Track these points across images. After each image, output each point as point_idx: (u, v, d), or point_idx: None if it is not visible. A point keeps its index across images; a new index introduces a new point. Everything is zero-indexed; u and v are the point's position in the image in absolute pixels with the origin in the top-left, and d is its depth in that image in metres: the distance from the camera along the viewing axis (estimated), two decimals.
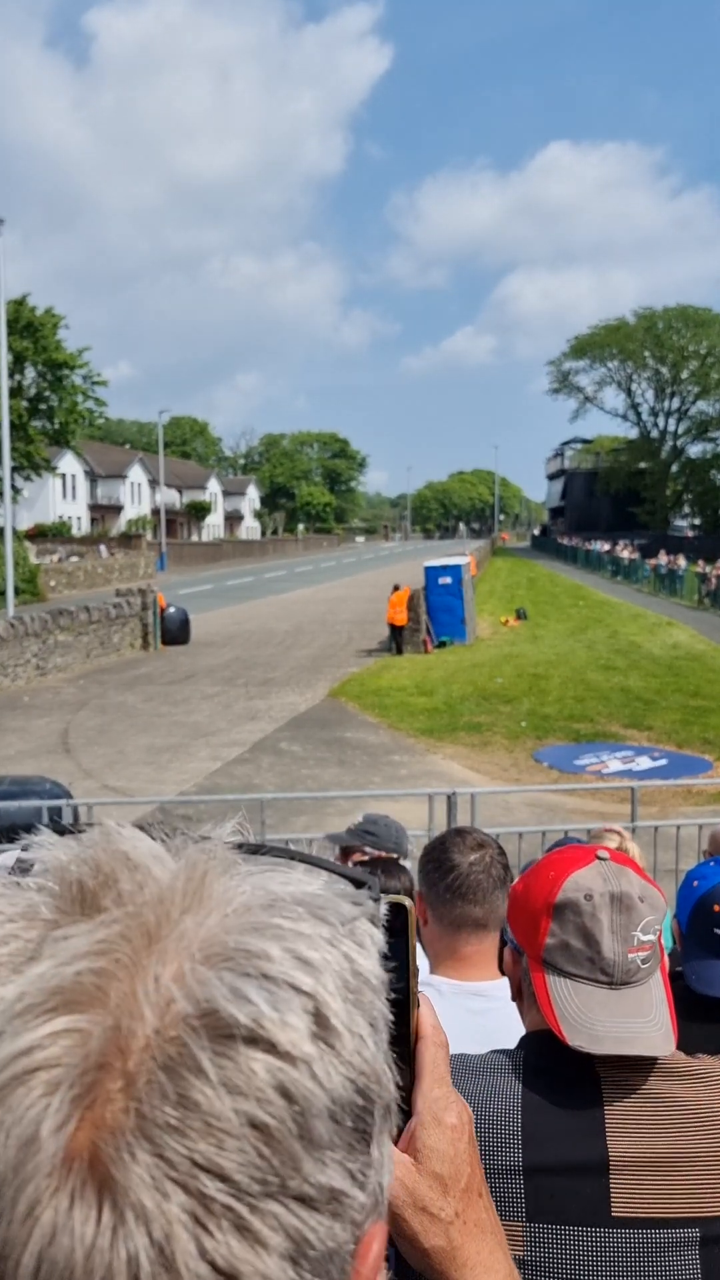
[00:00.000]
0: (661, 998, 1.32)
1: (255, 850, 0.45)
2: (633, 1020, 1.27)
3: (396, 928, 0.58)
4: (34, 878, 0.40)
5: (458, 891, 1.99)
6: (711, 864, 2.11)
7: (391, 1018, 0.43)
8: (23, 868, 0.42)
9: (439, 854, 2.11)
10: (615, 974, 1.30)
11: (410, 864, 3.28)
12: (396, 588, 22.65)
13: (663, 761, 12.88)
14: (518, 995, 1.42)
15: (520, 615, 28.99)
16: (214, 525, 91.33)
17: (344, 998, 0.38)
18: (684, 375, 68.98)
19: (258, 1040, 0.35)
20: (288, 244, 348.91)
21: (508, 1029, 1.46)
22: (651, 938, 1.31)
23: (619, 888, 1.31)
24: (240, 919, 0.38)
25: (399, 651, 22.06)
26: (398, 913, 0.60)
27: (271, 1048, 0.35)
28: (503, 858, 2.11)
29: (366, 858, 3.29)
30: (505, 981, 1.46)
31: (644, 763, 12.79)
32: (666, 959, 1.42)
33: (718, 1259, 1.24)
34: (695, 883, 2.06)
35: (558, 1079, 1.29)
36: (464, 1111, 0.67)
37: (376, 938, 0.42)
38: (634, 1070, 1.28)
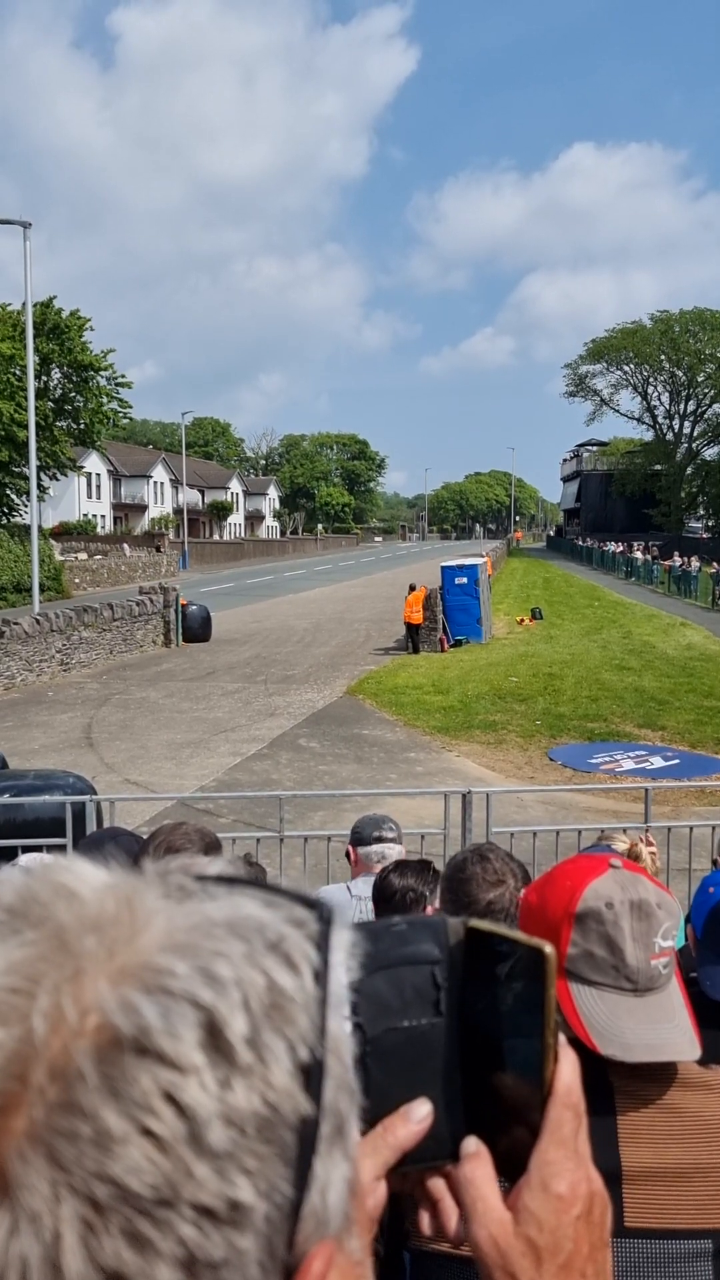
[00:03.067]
0: (682, 1002, 1.33)
1: (227, 882, 0.45)
2: (660, 1026, 1.28)
3: (533, 974, 0.58)
4: None
5: None
6: None
7: (350, 1038, 0.44)
8: None
9: (459, 886, 2.11)
10: (640, 981, 1.30)
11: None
12: (413, 587, 22.82)
13: (676, 761, 13.02)
14: None
15: (535, 615, 29.11)
16: (235, 524, 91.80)
17: (250, 1013, 0.39)
18: (700, 378, 68.81)
19: (145, 1051, 0.36)
20: (310, 246, 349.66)
21: None
22: (671, 944, 1.33)
23: (637, 895, 1.32)
24: (161, 939, 0.39)
25: (415, 650, 22.25)
26: (536, 960, 0.58)
27: (159, 1058, 0.36)
28: (521, 887, 2.12)
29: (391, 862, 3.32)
30: None
31: (657, 762, 12.94)
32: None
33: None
34: (711, 889, 2.07)
35: None
36: (583, 1185, 0.62)
37: (313, 958, 0.42)
38: (647, 1080, 1.29)
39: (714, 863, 5.80)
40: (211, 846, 2.64)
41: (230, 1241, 0.36)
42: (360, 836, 3.73)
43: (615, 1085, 1.28)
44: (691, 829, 7.06)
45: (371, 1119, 0.59)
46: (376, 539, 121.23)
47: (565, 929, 1.33)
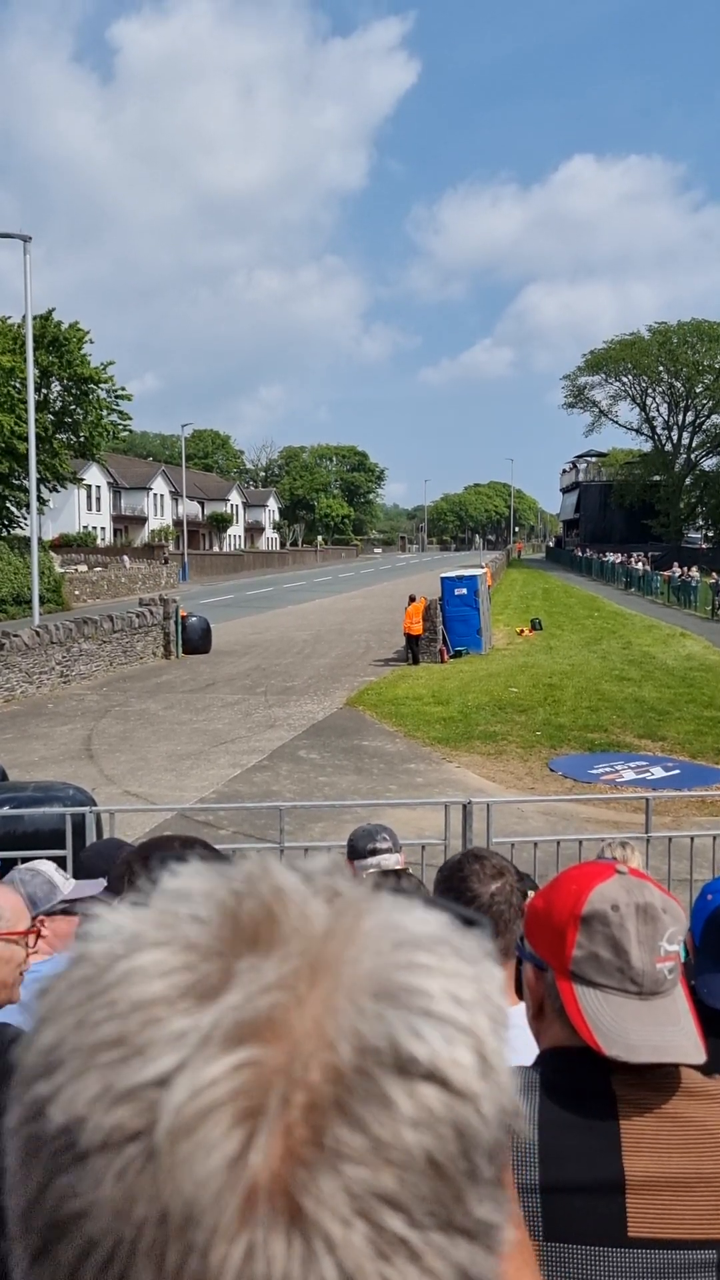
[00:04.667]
0: (686, 1008, 1.33)
1: (398, 887, 0.47)
2: (665, 1029, 1.28)
3: None
4: (181, 904, 0.40)
5: None
6: None
7: None
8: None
9: (458, 883, 2.08)
10: (645, 984, 1.30)
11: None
12: (413, 598, 22.85)
13: (676, 771, 13.02)
14: (538, 1014, 1.40)
15: (535, 626, 29.13)
16: (235, 536, 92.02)
17: (496, 1035, 0.39)
18: (698, 389, 69.06)
19: (434, 1077, 0.35)
20: (310, 258, 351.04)
21: (528, 1053, 1.46)
22: (676, 948, 1.34)
23: (643, 899, 1.33)
24: (394, 956, 0.38)
25: (415, 661, 22.26)
26: None
27: (446, 1084, 0.36)
28: (522, 883, 2.12)
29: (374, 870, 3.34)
30: (524, 1006, 1.47)
31: (657, 772, 12.94)
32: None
33: None
34: (710, 896, 2.08)
35: (574, 1096, 1.29)
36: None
37: (499, 977, 0.42)
38: (651, 1089, 1.28)
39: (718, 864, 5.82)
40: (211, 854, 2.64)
41: (487, 1263, 0.36)
42: (355, 850, 3.71)
43: (618, 1094, 1.27)
44: (693, 839, 7.07)
45: None
46: (376, 550, 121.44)
47: (571, 931, 1.33)
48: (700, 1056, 1.27)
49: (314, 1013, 0.36)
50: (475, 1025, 0.38)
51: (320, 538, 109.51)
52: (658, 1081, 1.29)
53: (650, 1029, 1.27)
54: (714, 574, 38.22)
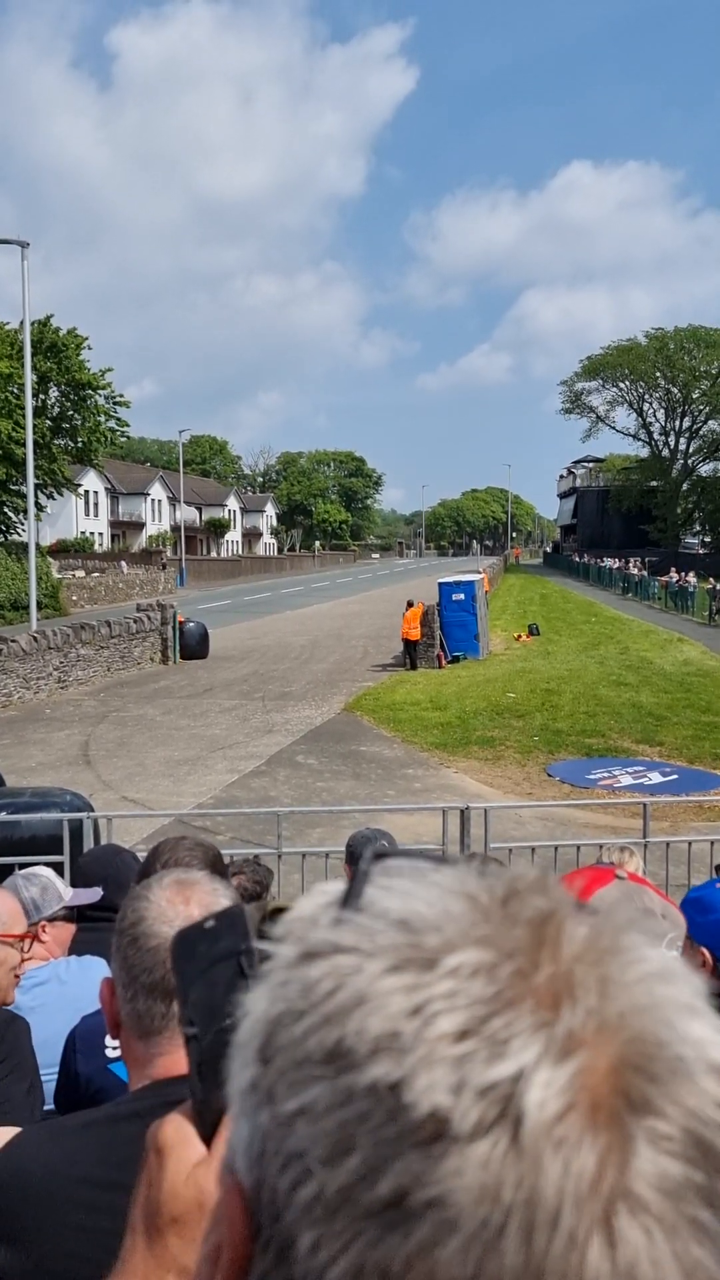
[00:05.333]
0: None
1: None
2: None
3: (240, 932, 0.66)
4: (459, 903, 0.41)
5: None
6: (718, 884, 2.17)
7: None
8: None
9: None
10: None
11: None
12: (411, 604, 22.88)
13: (674, 777, 13.03)
14: None
15: (533, 631, 29.17)
16: (232, 541, 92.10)
17: None
18: (695, 395, 69.24)
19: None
20: (308, 264, 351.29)
21: None
22: (675, 952, 1.35)
23: (643, 904, 1.36)
24: (664, 973, 0.40)
25: (413, 666, 22.27)
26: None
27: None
28: None
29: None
30: None
31: (655, 778, 12.95)
32: None
33: None
34: None
35: None
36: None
37: None
38: None
39: (717, 869, 5.82)
40: (215, 861, 2.64)
41: None
42: (354, 855, 3.71)
43: None
44: (690, 844, 7.09)
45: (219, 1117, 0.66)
46: (374, 556, 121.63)
47: None
48: None
49: (626, 1018, 0.37)
50: None
51: (318, 543, 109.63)
52: None
53: None
54: (711, 579, 38.28)
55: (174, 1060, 1.26)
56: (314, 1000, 0.39)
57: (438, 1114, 0.35)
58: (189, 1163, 0.77)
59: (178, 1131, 0.77)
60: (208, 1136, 0.75)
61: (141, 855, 2.93)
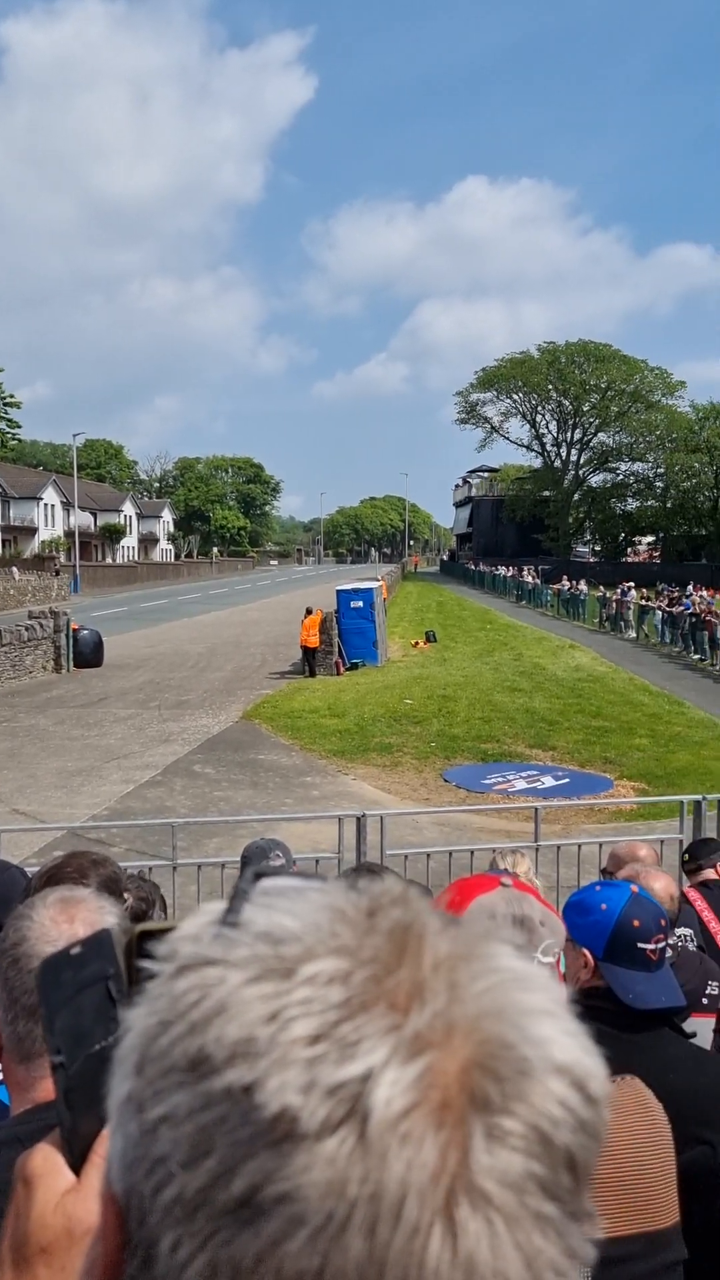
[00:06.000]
0: None
1: None
2: None
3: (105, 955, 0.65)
4: (325, 915, 0.43)
5: None
6: (598, 887, 2.24)
7: None
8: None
9: None
10: None
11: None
12: (309, 611, 22.89)
13: (566, 780, 13.35)
14: None
15: (430, 638, 29.51)
16: (128, 547, 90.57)
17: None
18: (585, 408, 71.22)
19: (578, 1082, 0.40)
20: (205, 268, 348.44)
21: None
22: (551, 960, 1.37)
23: (521, 911, 1.37)
24: (520, 980, 0.43)
25: (311, 674, 22.29)
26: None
27: (584, 1088, 0.41)
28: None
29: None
30: None
31: (548, 781, 13.25)
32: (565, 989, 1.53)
33: (614, 1279, 1.32)
34: (603, 906, 2.14)
35: None
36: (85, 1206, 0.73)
37: None
38: None
39: (603, 872, 5.99)
40: (110, 879, 2.60)
41: (588, 1248, 0.41)
42: (248, 865, 3.70)
43: None
44: (580, 846, 7.28)
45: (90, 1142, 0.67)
46: (272, 562, 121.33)
47: None
48: None
49: (475, 1021, 0.40)
50: (588, 1043, 0.42)
51: (216, 549, 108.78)
52: None
53: None
54: (601, 587, 39.35)
55: None
56: (180, 1011, 0.41)
57: (287, 1113, 0.37)
58: (57, 1192, 0.76)
59: (46, 1161, 0.76)
60: (76, 1165, 0.74)
61: (32, 871, 2.87)
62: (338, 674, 22.54)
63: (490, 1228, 0.37)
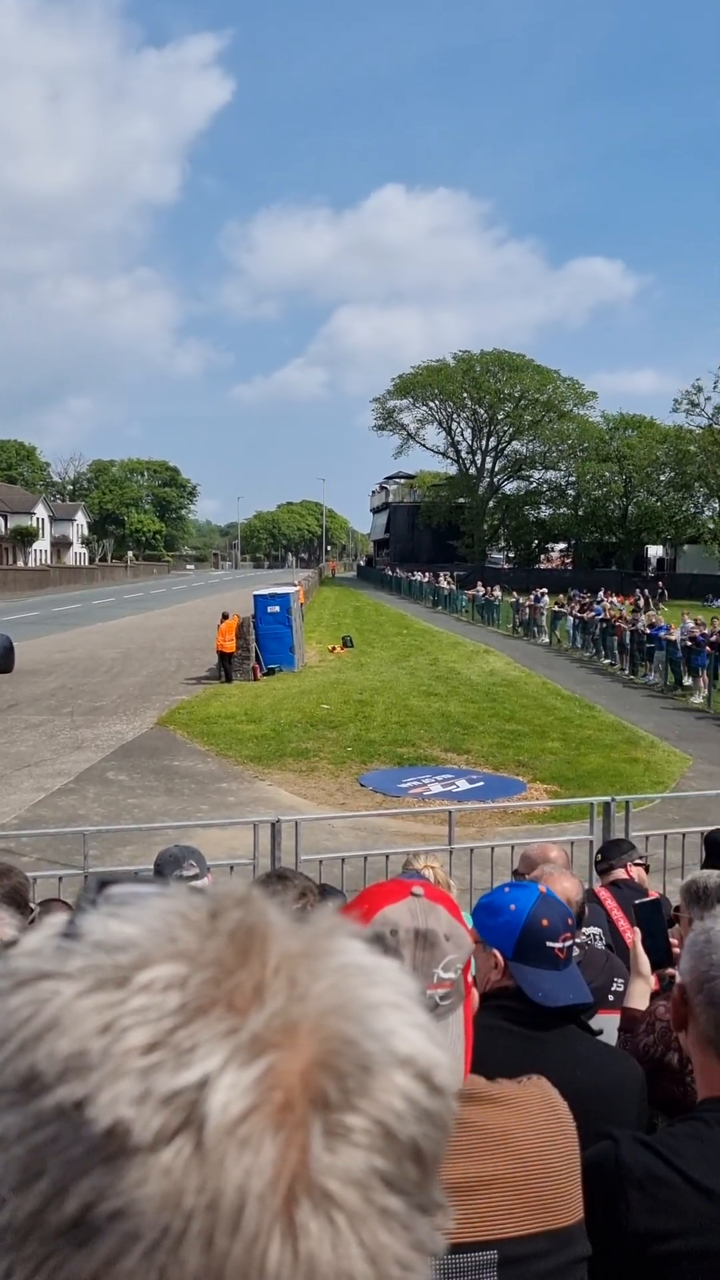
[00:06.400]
0: (458, 1035, 1.34)
1: None
2: None
3: None
4: (164, 920, 0.42)
5: None
6: (507, 889, 2.25)
7: None
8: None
9: None
10: None
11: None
12: (226, 616, 22.75)
13: (480, 783, 13.51)
14: None
15: (347, 643, 29.58)
16: (41, 551, 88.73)
17: (441, 1044, 0.44)
18: (500, 416, 72.36)
19: (420, 1072, 0.41)
20: (121, 269, 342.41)
21: None
22: (453, 975, 1.34)
23: (425, 925, 1.33)
24: (367, 975, 0.43)
25: (228, 679, 22.14)
26: None
27: (429, 1079, 0.41)
28: (325, 902, 2.23)
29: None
30: None
31: (463, 785, 13.38)
32: (475, 995, 1.45)
33: (516, 1278, 1.32)
34: (512, 906, 2.15)
35: None
36: None
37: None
38: None
39: (515, 874, 6.08)
40: (13, 891, 2.54)
41: (438, 1239, 0.41)
42: (161, 874, 3.67)
43: None
44: (493, 849, 7.38)
45: None
46: (189, 567, 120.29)
47: None
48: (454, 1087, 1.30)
49: (317, 1019, 0.40)
50: (435, 1034, 0.43)
51: (131, 553, 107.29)
52: None
53: None
54: (515, 593, 39.99)
55: None
56: (11, 1029, 0.40)
57: (120, 1126, 0.36)
58: None
59: None
60: None
61: None
62: (255, 679, 22.44)
63: (333, 1227, 0.37)
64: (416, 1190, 0.39)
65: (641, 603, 36.61)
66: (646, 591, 44.79)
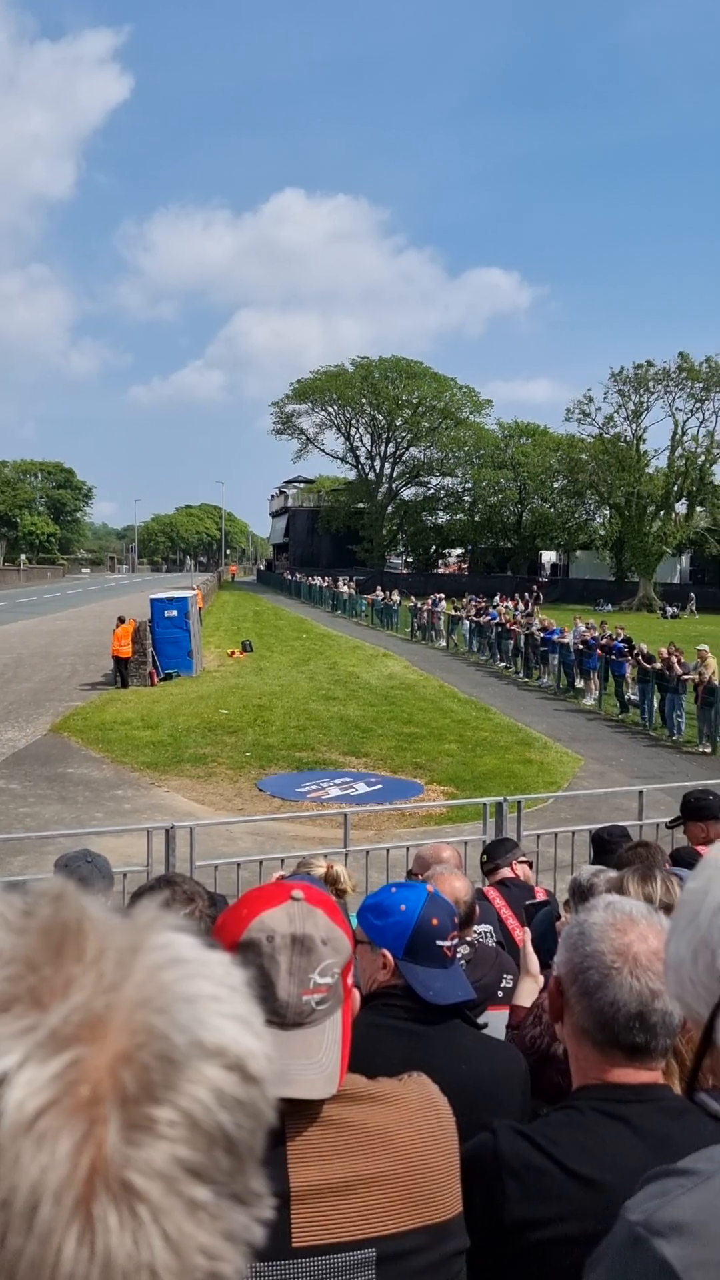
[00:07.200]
0: (335, 1039, 1.34)
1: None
2: (297, 1061, 1.29)
3: None
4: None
5: None
6: (394, 889, 2.25)
7: None
8: None
9: None
10: (287, 1015, 1.30)
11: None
12: (122, 620, 22.39)
13: (378, 786, 13.60)
14: None
15: (246, 648, 29.43)
16: None
17: (262, 1034, 0.45)
18: (398, 423, 73.01)
19: (232, 1062, 0.41)
20: (14, 265, 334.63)
21: None
22: (329, 980, 1.34)
23: (303, 930, 1.33)
24: (186, 967, 0.44)
25: (124, 685, 21.78)
26: None
27: (242, 1069, 0.42)
28: (214, 908, 2.15)
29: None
30: None
31: (361, 788, 13.46)
32: (356, 998, 1.46)
33: (394, 1275, 1.30)
34: (403, 907, 2.15)
35: None
36: None
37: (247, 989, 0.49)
38: (314, 1100, 1.31)
39: (409, 874, 6.16)
40: None
41: (256, 1230, 0.42)
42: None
43: (284, 1110, 1.28)
44: (388, 851, 7.44)
45: None
46: (84, 570, 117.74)
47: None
48: (328, 1090, 1.29)
49: (126, 1013, 0.40)
50: (253, 1024, 0.43)
51: (24, 557, 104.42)
52: None
53: (283, 1061, 1.26)
54: (413, 597, 40.39)
55: None
56: None
57: None
58: None
59: None
60: None
61: None
62: (152, 684, 22.13)
63: (134, 1220, 0.37)
64: (229, 1180, 0.40)
65: (522, 606, 37.42)
66: (526, 595, 45.83)
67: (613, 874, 2.98)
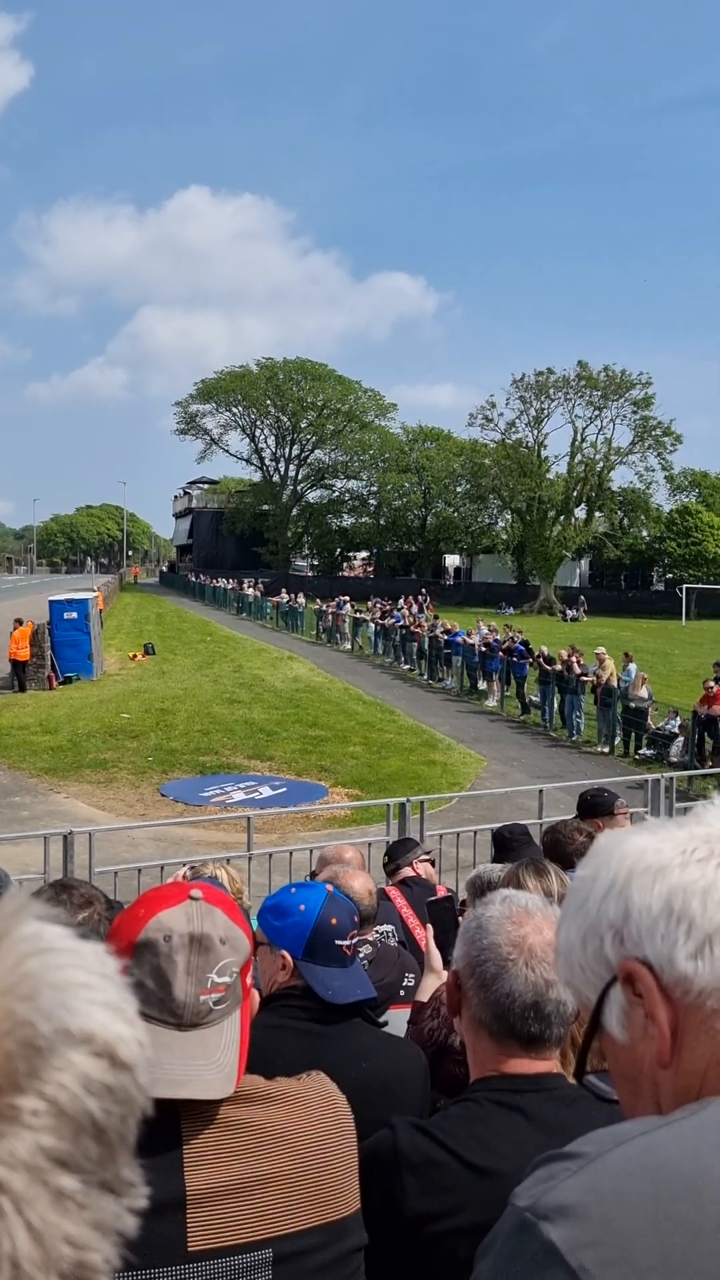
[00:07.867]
0: (234, 1039, 1.33)
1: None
2: (194, 1062, 1.28)
3: None
4: None
5: None
6: (293, 889, 2.24)
7: None
8: None
9: None
10: (185, 1015, 1.29)
11: None
12: (19, 622, 21.83)
13: (283, 789, 13.56)
14: None
15: (148, 651, 29.02)
16: None
17: (135, 1021, 0.45)
18: (303, 425, 72.97)
19: (101, 1049, 0.41)
20: None
21: None
22: (228, 980, 1.34)
23: (201, 929, 1.32)
24: (56, 957, 0.43)
25: (22, 689, 21.25)
26: None
27: (111, 1055, 0.41)
28: (111, 911, 2.12)
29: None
30: None
31: (265, 792, 13.40)
32: (255, 997, 1.45)
33: (291, 1274, 1.30)
34: (302, 907, 2.15)
35: None
36: None
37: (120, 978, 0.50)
38: (211, 1101, 1.30)
39: (312, 875, 6.15)
40: None
41: (128, 1219, 0.42)
42: None
43: (181, 1113, 1.28)
44: (291, 854, 7.41)
45: None
46: None
47: (125, 959, 1.31)
48: (224, 1091, 1.28)
49: None
50: (124, 1010, 0.43)
51: None
52: None
53: (179, 1062, 1.26)
54: (319, 600, 40.40)
55: None
56: None
57: None
58: None
59: None
60: None
61: None
62: (50, 688, 21.64)
63: None
64: (98, 1168, 0.39)
65: (415, 609, 37.87)
66: (417, 599, 46.42)
67: (508, 869, 3.03)
